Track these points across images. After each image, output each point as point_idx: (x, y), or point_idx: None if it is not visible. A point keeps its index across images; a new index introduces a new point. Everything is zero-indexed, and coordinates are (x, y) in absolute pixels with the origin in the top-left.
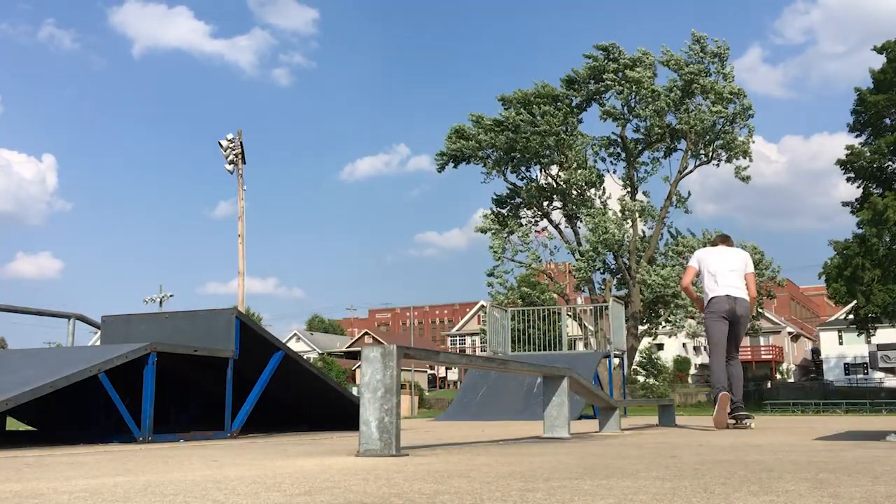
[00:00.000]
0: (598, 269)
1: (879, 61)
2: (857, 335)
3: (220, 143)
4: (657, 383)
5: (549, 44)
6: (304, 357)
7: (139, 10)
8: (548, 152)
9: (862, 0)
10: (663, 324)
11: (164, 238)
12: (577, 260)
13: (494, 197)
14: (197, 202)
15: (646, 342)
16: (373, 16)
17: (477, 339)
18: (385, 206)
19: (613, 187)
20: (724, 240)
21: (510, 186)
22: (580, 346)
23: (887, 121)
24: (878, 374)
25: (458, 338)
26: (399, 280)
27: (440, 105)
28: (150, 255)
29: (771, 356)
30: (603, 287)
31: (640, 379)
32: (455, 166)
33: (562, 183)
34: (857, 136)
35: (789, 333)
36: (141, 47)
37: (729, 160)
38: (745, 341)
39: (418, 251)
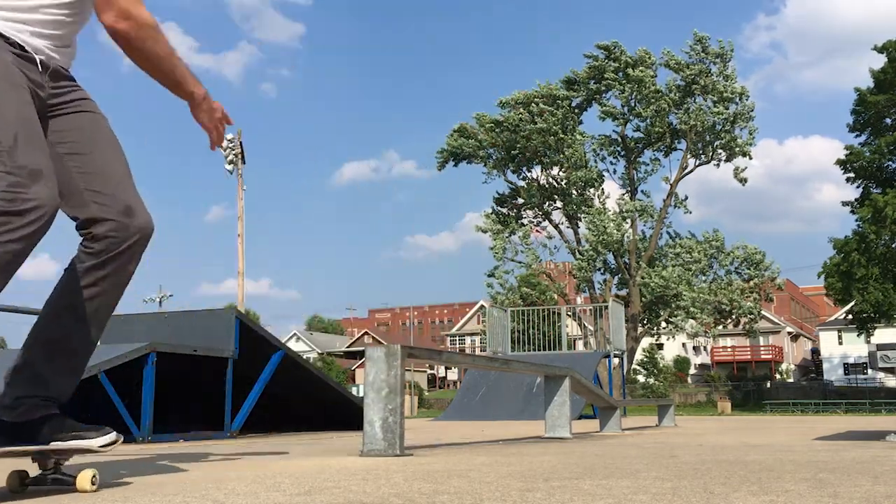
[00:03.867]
0: (598, 270)
1: (879, 62)
2: (857, 335)
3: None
4: (657, 383)
5: (532, 60)
6: (304, 357)
7: None
8: (548, 152)
9: (821, 13)
10: (663, 324)
11: (158, 241)
12: (577, 260)
13: (496, 196)
14: (188, 207)
15: (645, 342)
16: (360, 26)
17: (477, 339)
18: (381, 208)
19: (613, 187)
20: None
21: (511, 186)
22: (580, 346)
23: (888, 120)
24: (878, 374)
25: (457, 338)
26: (398, 280)
27: (429, 111)
28: (144, 257)
29: (770, 356)
30: (603, 287)
31: (640, 379)
32: (455, 164)
33: (562, 183)
34: (857, 136)
35: (789, 333)
36: (129, 62)
37: (728, 160)
38: (745, 341)
39: (416, 252)
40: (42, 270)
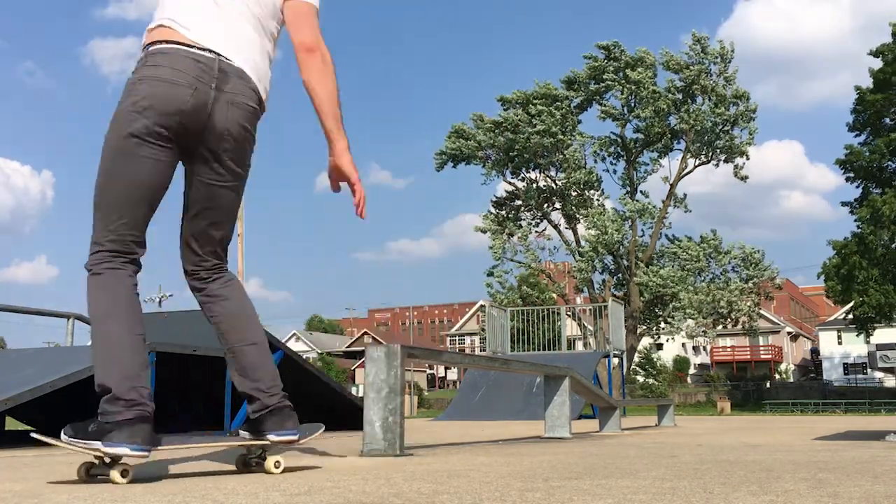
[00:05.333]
0: (597, 270)
1: (878, 62)
2: (857, 335)
3: None
4: (656, 383)
5: (523, 64)
6: (304, 357)
7: (111, 47)
8: (546, 153)
9: (749, 35)
10: (662, 324)
11: (156, 242)
12: (577, 261)
13: (494, 199)
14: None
15: (645, 342)
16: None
17: (476, 338)
18: (379, 208)
19: (613, 188)
20: None
21: (510, 188)
22: (579, 346)
23: (887, 120)
24: (878, 374)
25: (457, 337)
26: (398, 280)
27: (417, 119)
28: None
29: (770, 356)
30: (602, 287)
31: (640, 379)
32: (454, 166)
33: (560, 184)
34: (856, 136)
35: (788, 333)
36: (113, 87)
37: (727, 161)
38: (744, 341)
39: (417, 252)
40: (39, 273)
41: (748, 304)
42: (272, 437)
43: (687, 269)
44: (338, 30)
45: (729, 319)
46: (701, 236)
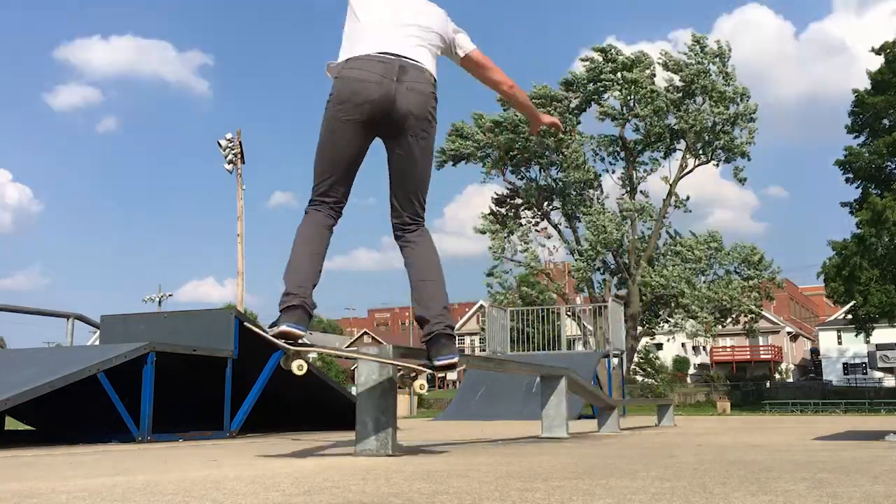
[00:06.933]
0: (598, 270)
1: (876, 62)
2: (856, 335)
3: (218, 143)
4: (656, 383)
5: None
6: None
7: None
8: (546, 152)
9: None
10: (663, 324)
11: (154, 242)
12: (576, 260)
13: (494, 197)
14: (175, 211)
15: (645, 342)
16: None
17: (476, 338)
18: (378, 208)
19: (612, 187)
20: None
21: (509, 187)
22: (579, 346)
23: (885, 122)
24: (877, 374)
25: (456, 337)
26: (398, 281)
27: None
28: (135, 260)
29: (770, 356)
30: (602, 287)
31: (639, 379)
32: (454, 164)
33: (560, 183)
34: (855, 137)
35: (788, 333)
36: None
37: (728, 160)
38: (744, 341)
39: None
40: (36, 283)
41: (751, 303)
42: (437, 363)
43: (690, 269)
44: (337, 28)
45: (731, 317)
46: (707, 232)
